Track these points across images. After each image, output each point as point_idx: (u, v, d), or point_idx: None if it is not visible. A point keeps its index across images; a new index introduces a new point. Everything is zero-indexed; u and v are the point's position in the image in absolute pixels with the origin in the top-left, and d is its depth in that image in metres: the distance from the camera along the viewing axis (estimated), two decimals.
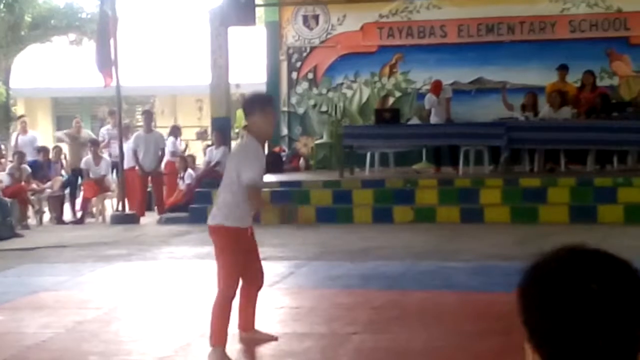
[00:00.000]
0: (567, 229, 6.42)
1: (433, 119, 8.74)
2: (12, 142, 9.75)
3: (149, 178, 8.68)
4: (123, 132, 8.57)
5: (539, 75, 8.94)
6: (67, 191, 8.92)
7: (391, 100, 9.70)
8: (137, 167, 8.53)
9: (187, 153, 9.75)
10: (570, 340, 0.67)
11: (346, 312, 3.95)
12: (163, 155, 8.75)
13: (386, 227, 6.95)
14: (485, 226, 6.83)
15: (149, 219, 8.32)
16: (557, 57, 8.84)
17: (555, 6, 9.37)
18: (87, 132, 9.77)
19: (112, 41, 8.22)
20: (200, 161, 9.85)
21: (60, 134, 9.53)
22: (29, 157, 8.69)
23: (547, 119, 8.03)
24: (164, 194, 8.84)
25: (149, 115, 9.30)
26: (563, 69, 8.51)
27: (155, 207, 8.78)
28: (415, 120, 9.13)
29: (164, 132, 9.71)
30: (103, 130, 9.78)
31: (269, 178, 8.77)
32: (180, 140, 10.06)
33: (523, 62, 9.25)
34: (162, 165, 8.89)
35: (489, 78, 9.51)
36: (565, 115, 8.04)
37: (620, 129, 7.67)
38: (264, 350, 3.30)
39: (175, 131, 9.87)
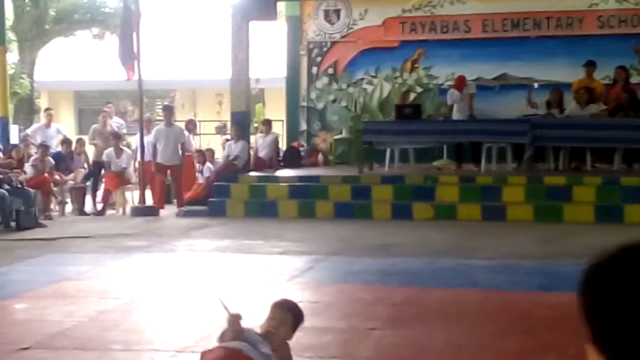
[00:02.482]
0: (593, 228, 6.30)
1: (455, 115, 8.65)
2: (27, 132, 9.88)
3: (168, 171, 8.73)
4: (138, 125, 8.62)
5: (565, 71, 8.78)
6: (88, 183, 9.03)
7: (412, 96, 9.62)
8: (153, 162, 8.54)
9: (194, 148, 9.72)
10: (636, 340, 0.62)
11: (365, 307, 3.92)
12: (184, 149, 8.79)
13: (405, 223, 6.90)
14: (508, 224, 6.73)
15: (168, 211, 8.38)
16: (585, 53, 8.67)
17: (583, 1, 9.19)
18: (112, 126, 9.83)
19: (134, 35, 8.28)
20: (219, 155, 9.89)
21: (90, 137, 9.63)
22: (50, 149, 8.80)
23: (573, 116, 7.89)
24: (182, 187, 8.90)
25: (169, 110, 9.35)
26: (590, 65, 8.35)
27: (175, 200, 8.83)
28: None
29: (183, 126, 9.76)
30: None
31: (287, 173, 8.80)
32: (194, 135, 10.08)
33: (549, 58, 9.10)
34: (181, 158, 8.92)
35: (513, 74, 9.38)
36: (592, 112, 7.89)
37: None
38: None
39: (189, 125, 9.90)
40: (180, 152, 8.74)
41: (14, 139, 9.66)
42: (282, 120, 11.25)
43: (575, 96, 8.14)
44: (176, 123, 9.46)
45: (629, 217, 6.66)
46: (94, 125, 9.81)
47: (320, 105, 10.25)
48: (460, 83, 8.70)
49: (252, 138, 9.62)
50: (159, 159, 8.64)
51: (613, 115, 7.98)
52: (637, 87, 8.70)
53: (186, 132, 9.41)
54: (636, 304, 0.63)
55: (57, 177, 8.61)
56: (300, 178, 8.27)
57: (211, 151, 9.69)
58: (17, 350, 3.13)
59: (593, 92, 8.10)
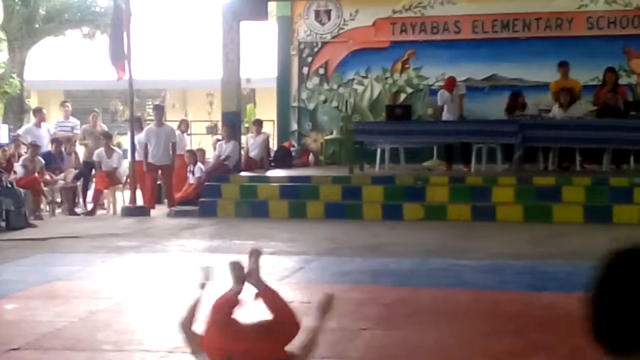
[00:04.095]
0: (582, 228, 6.37)
1: (445, 116, 8.69)
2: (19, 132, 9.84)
3: (159, 171, 8.71)
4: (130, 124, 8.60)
5: (554, 72, 8.84)
6: (79, 183, 8.99)
7: (402, 96, 9.67)
8: (144, 162, 8.51)
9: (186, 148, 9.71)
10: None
11: (356, 307, 3.94)
12: (174, 149, 8.77)
13: (396, 224, 6.93)
14: (498, 224, 6.78)
15: (159, 211, 8.35)
16: (574, 54, 8.76)
17: (573, 2, 9.27)
18: (102, 126, 9.81)
19: (125, 35, 8.24)
20: (210, 155, 9.88)
21: (80, 137, 9.55)
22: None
23: (559, 119, 7.97)
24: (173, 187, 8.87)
25: (160, 110, 9.32)
26: (564, 66, 8.44)
27: (165, 200, 8.81)
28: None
29: (174, 126, 9.75)
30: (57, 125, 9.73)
31: (278, 173, 8.81)
32: (186, 134, 10.08)
33: (539, 59, 9.17)
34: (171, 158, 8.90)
35: (503, 75, 9.44)
36: (577, 112, 7.97)
37: (637, 128, 7.58)
38: None
39: (182, 126, 9.92)
40: (170, 152, 8.72)
41: (4, 138, 9.59)
42: (273, 121, 11.25)
43: (556, 98, 8.22)
44: (167, 123, 9.43)
45: (618, 217, 6.72)
46: (84, 126, 9.75)
47: (311, 106, 10.26)
48: (451, 84, 8.74)
49: (243, 138, 9.62)
50: (149, 159, 8.61)
51: (601, 116, 8.06)
52: (626, 88, 8.80)
53: (178, 132, 9.40)
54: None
55: (47, 177, 8.56)
56: (291, 178, 8.27)
57: (202, 151, 9.68)
58: (7, 350, 3.12)
59: (572, 92, 8.18)
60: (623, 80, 8.88)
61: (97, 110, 10.59)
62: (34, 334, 3.36)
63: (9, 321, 3.75)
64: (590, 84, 8.71)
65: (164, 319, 3.69)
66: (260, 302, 2.12)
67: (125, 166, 9.04)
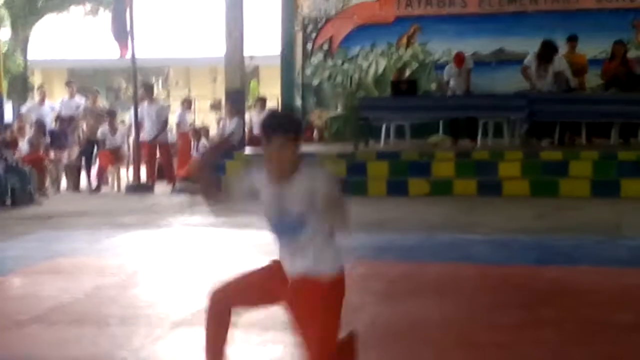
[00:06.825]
0: (589, 203, 6.33)
1: (452, 91, 8.60)
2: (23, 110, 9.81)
3: (157, 149, 8.72)
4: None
5: (562, 46, 8.70)
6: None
7: (408, 71, 9.56)
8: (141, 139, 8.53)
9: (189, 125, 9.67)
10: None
11: (361, 282, 3.93)
12: (165, 125, 8.76)
13: (401, 199, 6.90)
14: (504, 199, 6.75)
15: (163, 188, 8.37)
16: (582, 28, 8.61)
17: None
18: (103, 104, 9.79)
19: (128, 12, 8.15)
20: (214, 132, 9.85)
21: (81, 115, 9.46)
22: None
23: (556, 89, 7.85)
24: (173, 164, 8.88)
25: (148, 88, 9.25)
26: (573, 40, 8.31)
27: (166, 177, 8.82)
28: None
29: (177, 103, 9.73)
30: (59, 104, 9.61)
31: None
32: (189, 112, 10.05)
33: (546, 33, 8.99)
34: (167, 135, 8.91)
35: (510, 49, 9.31)
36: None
37: None
38: (277, 317, 3.29)
39: (185, 104, 9.88)
40: (166, 129, 8.72)
41: (9, 116, 9.57)
42: (277, 97, 11.17)
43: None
44: (161, 100, 9.41)
45: (625, 191, 6.67)
46: (85, 104, 9.73)
47: (315, 82, 10.17)
48: (460, 60, 8.63)
49: (247, 115, 9.57)
50: (145, 137, 8.62)
51: (608, 88, 7.96)
52: (635, 61, 8.67)
53: (180, 111, 9.37)
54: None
55: (51, 154, 8.57)
56: None
57: (206, 128, 9.66)
58: (14, 325, 3.14)
59: (576, 67, 8.03)
60: (632, 54, 8.74)
61: (98, 89, 10.54)
62: (41, 308, 3.38)
63: (16, 296, 3.78)
64: (598, 58, 8.58)
65: (169, 294, 3.71)
66: None
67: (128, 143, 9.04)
